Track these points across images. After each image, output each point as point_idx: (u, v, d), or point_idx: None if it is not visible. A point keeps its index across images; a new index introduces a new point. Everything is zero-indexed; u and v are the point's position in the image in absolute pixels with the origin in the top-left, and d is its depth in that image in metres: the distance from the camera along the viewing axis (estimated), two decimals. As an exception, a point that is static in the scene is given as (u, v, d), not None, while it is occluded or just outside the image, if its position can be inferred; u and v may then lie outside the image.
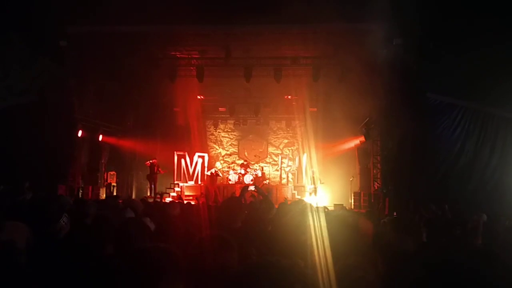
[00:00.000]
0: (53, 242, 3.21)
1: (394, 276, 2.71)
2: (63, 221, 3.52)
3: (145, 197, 16.74)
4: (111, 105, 15.88)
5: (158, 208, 5.77)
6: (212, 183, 18.01)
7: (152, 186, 16.91)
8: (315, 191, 16.66)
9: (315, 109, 18.67)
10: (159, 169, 17.04)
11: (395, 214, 9.27)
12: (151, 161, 16.91)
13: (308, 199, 16.45)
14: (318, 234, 3.26)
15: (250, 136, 21.96)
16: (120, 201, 8.08)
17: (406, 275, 2.69)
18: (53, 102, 12.23)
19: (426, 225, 3.78)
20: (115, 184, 16.76)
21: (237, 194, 16.61)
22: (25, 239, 3.22)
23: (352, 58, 13.25)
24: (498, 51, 10.29)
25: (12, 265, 2.68)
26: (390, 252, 3.07)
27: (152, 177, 16.93)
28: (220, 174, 18.87)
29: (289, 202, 5.35)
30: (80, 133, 14.26)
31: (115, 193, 15.91)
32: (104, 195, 15.48)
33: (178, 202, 8.46)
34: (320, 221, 3.56)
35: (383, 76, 12.19)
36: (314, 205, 4.00)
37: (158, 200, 11.69)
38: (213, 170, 18.79)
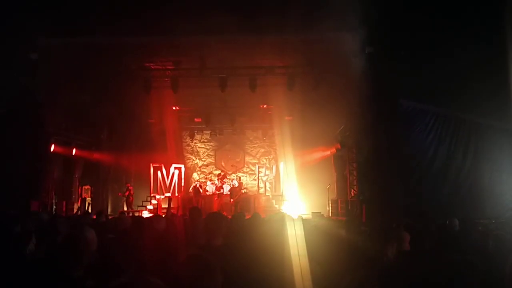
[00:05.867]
0: (21, 265, 3.09)
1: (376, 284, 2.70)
2: (33, 243, 3.38)
3: (123, 211, 16.54)
4: (85, 118, 15.60)
5: (143, 223, 5.61)
6: (196, 196, 17.99)
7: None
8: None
9: (291, 118, 18.75)
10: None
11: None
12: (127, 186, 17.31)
13: (286, 208, 16.50)
14: (296, 244, 3.24)
15: (227, 146, 21.91)
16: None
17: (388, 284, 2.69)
18: (23, 116, 11.94)
19: (406, 232, 3.80)
20: (89, 198, 16.43)
21: (215, 205, 16.63)
22: None
23: (326, 67, 13.39)
24: (468, 57, 10.56)
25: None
26: (369, 261, 3.07)
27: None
28: (201, 190, 18.77)
29: (263, 215, 5.31)
30: (52, 147, 13.95)
31: (89, 208, 15.59)
32: (79, 211, 15.17)
33: (164, 216, 8.31)
34: (297, 231, 3.54)
35: (356, 84, 12.33)
36: (291, 215, 3.98)
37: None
38: (196, 184, 18.85)
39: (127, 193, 17.40)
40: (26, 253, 3.28)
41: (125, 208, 16.94)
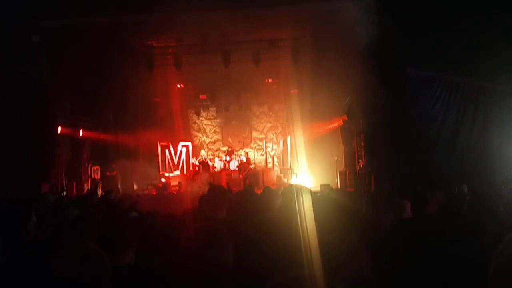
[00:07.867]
0: (21, 244, 3.14)
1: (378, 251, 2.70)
2: (32, 221, 3.43)
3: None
4: (90, 99, 15.60)
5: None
6: (205, 171, 17.95)
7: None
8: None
9: (297, 91, 18.60)
10: None
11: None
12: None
13: (295, 181, 16.52)
14: (304, 215, 3.23)
15: (233, 122, 21.89)
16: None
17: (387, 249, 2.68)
18: (28, 100, 11.96)
19: (406, 201, 3.78)
20: (99, 179, 16.55)
21: (224, 181, 16.68)
22: None
23: (331, 38, 13.18)
24: (474, 23, 10.34)
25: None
26: (370, 228, 3.07)
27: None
28: (210, 162, 18.81)
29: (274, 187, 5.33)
30: (59, 130, 14.01)
31: (99, 188, 15.67)
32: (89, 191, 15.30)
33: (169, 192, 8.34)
34: (305, 203, 3.53)
35: (362, 54, 12.14)
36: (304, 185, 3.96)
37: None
38: (202, 157, 18.86)
39: (114, 173, 17.32)
40: (27, 232, 3.34)
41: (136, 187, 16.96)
